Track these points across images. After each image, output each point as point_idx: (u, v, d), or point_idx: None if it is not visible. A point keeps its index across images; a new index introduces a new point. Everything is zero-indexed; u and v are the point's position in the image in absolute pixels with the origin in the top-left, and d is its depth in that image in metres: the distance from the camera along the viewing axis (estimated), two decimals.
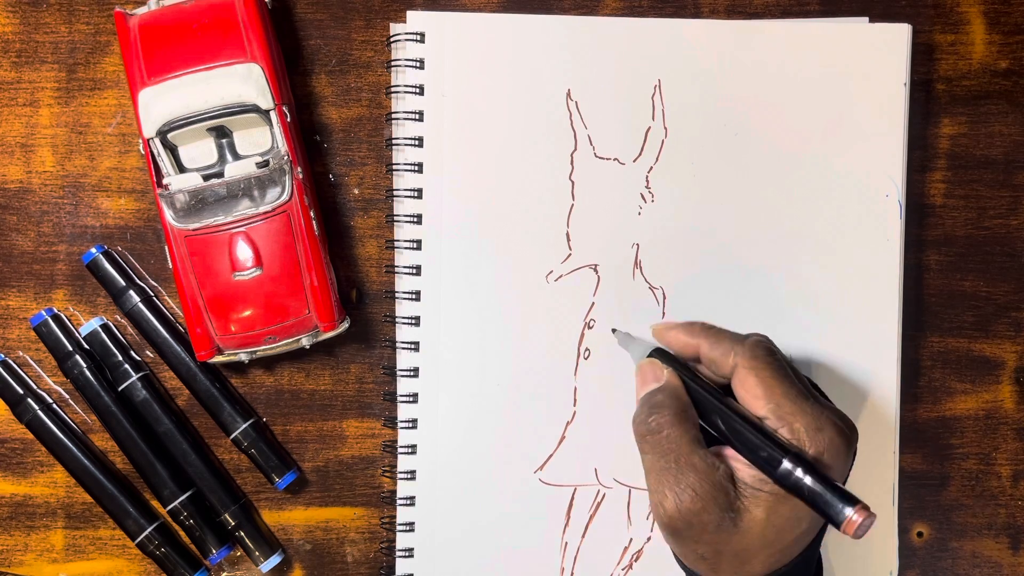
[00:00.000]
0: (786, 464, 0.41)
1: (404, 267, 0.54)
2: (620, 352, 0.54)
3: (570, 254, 0.54)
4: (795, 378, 0.45)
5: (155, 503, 0.55)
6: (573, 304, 0.54)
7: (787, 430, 0.43)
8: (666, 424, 0.44)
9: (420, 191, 0.54)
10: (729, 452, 0.44)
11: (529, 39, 0.54)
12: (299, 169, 0.51)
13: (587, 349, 0.54)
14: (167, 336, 0.54)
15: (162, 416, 0.54)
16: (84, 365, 0.53)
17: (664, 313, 0.54)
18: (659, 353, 0.48)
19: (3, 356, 0.55)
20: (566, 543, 0.55)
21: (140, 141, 0.51)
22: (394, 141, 0.54)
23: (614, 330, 0.53)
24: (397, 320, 0.54)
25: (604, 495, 0.55)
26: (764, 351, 0.45)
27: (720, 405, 0.44)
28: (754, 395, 0.44)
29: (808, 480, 0.41)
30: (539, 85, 0.54)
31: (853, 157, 0.54)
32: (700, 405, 0.46)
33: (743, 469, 0.43)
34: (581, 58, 0.54)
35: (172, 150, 0.51)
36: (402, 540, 0.55)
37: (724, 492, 0.42)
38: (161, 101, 0.50)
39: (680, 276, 0.55)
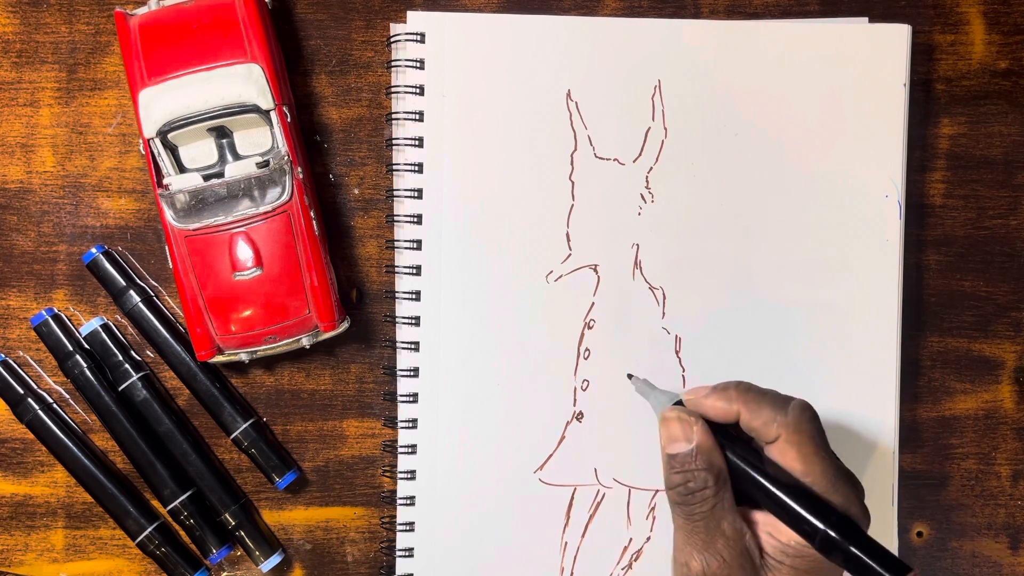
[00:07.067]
0: (830, 531, 0.40)
1: (404, 267, 0.54)
2: (620, 352, 0.54)
3: (570, 254, 0.54)
4: (832, 451, 0.44)
5: (155, 503, 0.55)
6: (573, 304, 0.54)
7: None
8: (705, 494, 0.43)
9: (420, 191, 0.54)
10: (757, 518, 0.44)
11: (529, 39, 0.54)
12: (299, 169, 0.51)
13: (587, 349, 0.55)
14: (167, 336, 0.54)
15: (162, 416, 0.54)
16: (84, 365, 0.53)
17: (664, 313, 0.54)
18: (683, 404, 0.46)
19: (3, 356, 0.55)
20: (566, 543, 0.55)
21: (140, 141, 0.51)
22: (394, 141, 0.54)
23: (630, 376, 0.50)
24: (397, 320, 0.54)
25: (604, 495, 0.55)
26: (808, 424, 0.44)
27: (759, 469, 0.43)
28: (792, 466, 0.43)
29: (854, 548, 0.40)
30: (539, 85, 0.54)
31: (853, 157, 0.54)
32: (732, 465, 0.44)
33: (768, 539, 0.43)
34: (581, 58, 0.54)
35: (172, 150, 0.51)
36: (402, 540, 0.55)
37: (750, 560, 0.42)
38: (161, 101, 0.50)
39: (680, 276, 0.55)
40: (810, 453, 0.43)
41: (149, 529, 0.54)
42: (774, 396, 0.45)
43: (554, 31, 0.54)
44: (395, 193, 0.54)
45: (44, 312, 0.54)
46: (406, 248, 0.54)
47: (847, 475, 0.43)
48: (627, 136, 0.54)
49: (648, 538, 0.55)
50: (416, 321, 0.54)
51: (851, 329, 0.55)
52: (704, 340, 0.55)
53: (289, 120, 0.51)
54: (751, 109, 0.54)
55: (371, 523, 0.56)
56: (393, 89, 0.54)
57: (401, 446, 0.54)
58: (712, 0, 0.56)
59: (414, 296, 0.54)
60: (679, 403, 0.46)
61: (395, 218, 0.54)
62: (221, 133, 0.52)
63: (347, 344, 0.56)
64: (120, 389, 0.54)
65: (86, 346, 0.54)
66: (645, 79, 0.54)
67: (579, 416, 0.55)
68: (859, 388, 0.55)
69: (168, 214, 0.50)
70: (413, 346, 0.54)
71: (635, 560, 0.55)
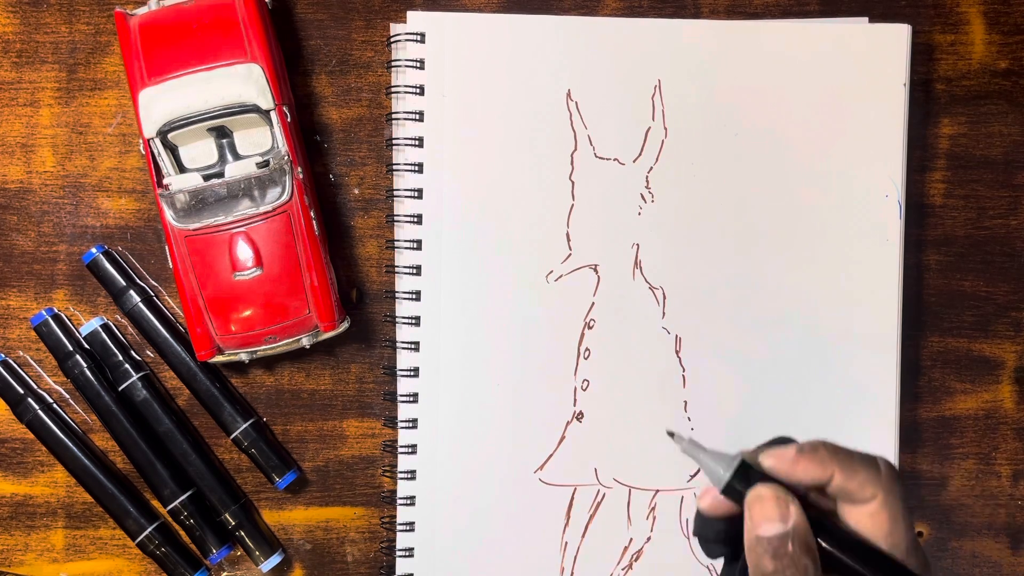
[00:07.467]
0: None
1: (404, 267, 0.54)
2: (620, 352, 0.54)
3: (570, 254, 0.54)
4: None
5: (155, 503, 0.55)
6: (573, 304, 0.54)
7: None
8: None
9: (420, 191, 0.54)
10: None
11: (529, 39, 0.54)
12: (299, 169, 0.51)
13: (587, 349, 0.55)
14: (167, 336, 0.54)
15: (162, 416, 0.54)
16: (84, 365, 0.53)
17: (664, 313, 0.54)
18: (746, 469, 0.40)
19: (3, 356, 0.55)
20: (566, 543, 0.55)
21: (140, 141, 0.51)
22: (394, 141, 0.54)
23: (671, 433, 0.41)
24: (397, 320, 0.54)
25: (604, 495, 0.55)
26: (899, 482, 0.41)
27: (857, 546, 0.40)
28: (880, 529, 0.40)
29: None
30: (539, 85, 0.54)
31: (853, 157, 0.54)
32: (822, 539, 0.40)
33: None
34: (581, 58, 0.54)
35: (172, 150, 0.51)
36: (402, 540, 0.55)
37: None
38: (161, 101, 0.50)
39: (680, 276, 0.55)
40: (898, 513, 0.40)
41: (149, 529, 0.54)
42: (860, 454, 0.41)
43: (554, 31, 0.54)
44: (395, 193, 0.54)
45: (44, 312, 0.54)
46: (406, 248, 0.54)
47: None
48: (627, 136, 0.54)
49: (648, 538, 0.55)
50: (416, 321, 0.54)
51: (851, 329, 0.55)
52: (704, 340, 0.55)
53: (289, 120, 0.51)
54: (751, 109, 0.54)
55: (371, 523, 0.56)
56: (393, 89, 0.54)
57: (401, 446, 0.54)
58: (712, 0, 0.56)
59: (414, 296, 0.54)
60: (743, 464, 0.40)
61: (395, 218, 0.54)
62: (221, 133, 0.52)
63: (347, 344, 0.56)
64: (120, 389, 0.54)
65: (86, 346, 0.54)
66: (645, 79, 0.54)
67: (579, 416, 0.55)
68: (859, 388, 0.55)
69: (168, 214, 0.50)
70: (413, 346, 0.54)
71: (635, 560, 0.55)
